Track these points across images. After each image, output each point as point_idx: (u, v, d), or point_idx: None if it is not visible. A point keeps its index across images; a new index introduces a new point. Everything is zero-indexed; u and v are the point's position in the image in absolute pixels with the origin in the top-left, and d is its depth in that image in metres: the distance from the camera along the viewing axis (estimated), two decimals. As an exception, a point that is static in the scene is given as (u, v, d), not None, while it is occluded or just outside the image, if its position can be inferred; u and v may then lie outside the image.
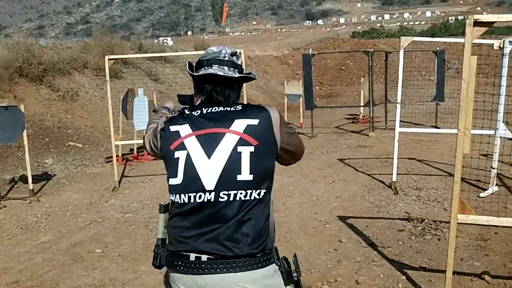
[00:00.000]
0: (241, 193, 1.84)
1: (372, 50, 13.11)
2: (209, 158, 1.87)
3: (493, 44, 6.50)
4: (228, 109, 1.95)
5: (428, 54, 16.26)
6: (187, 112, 1.99)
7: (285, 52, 31.29)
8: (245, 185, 1.84)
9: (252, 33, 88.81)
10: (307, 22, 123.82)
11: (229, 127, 1.88)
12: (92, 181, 8.36)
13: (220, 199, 1.84)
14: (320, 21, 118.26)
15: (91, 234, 5.71)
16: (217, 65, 1.98)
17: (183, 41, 41.84)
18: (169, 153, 1.94)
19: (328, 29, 74.42)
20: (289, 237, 5.26)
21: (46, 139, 10.26)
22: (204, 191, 1.86)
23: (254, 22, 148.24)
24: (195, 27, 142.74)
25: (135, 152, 10.00)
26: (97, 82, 13.93)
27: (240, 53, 2.13)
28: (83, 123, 11.89)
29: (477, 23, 3.39)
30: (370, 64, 12.18)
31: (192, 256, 1.86)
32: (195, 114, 1.95)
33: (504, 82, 6.31)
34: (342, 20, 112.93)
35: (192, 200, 1.88)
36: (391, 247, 4.87)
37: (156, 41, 36.63)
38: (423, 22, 71.38)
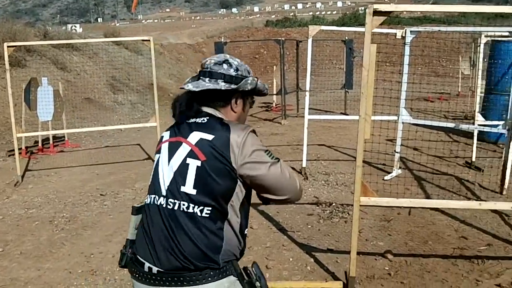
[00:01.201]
0: (183, 204, 1.81)
1: (283, 39, 13.30)
2: (168, 164, 1.90)
3: (396, 33, 6.81)
4: (195, 120, 1.93)
5: (338, 43, 16.73)
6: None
7: (199, 40, 30.99)
8: (187, 198, 1.81)
9: (166, 21, 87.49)
10: (222, 10, 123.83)
11: (187, 138, 1.88)
12: (-8, 176, 7.85)
13: (168, 206, 1.84)
14: (234, 10, 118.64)
15: (-10, 233, 5.37)
16: (201, 77, 1.97)
17: (93, 28, 40.10)
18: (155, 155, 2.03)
19: (243, 17, 74.78)
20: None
21: None
22: (160, 194, 1.88)
23: (167, 10, 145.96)
24: (106, 14, 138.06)
25: (40, 144, 9.49)
26: (-3, 71, 13.03)
27: (227, 60, 2.01)
28: (-18, 114, 11.10)
29: (376, 13, 3.52)
30: (282, 53, 12.38)
31: (146, 266, 1.84)
32: (179, 123, 1.98)
33: (405, 69, 6.65)
34: (256, 9, 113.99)
35: (151, 201, 1.91)
36: (300, 231, 5.00)
37: (64, 28, 34.96)
38: (334, 12, 73.52)
